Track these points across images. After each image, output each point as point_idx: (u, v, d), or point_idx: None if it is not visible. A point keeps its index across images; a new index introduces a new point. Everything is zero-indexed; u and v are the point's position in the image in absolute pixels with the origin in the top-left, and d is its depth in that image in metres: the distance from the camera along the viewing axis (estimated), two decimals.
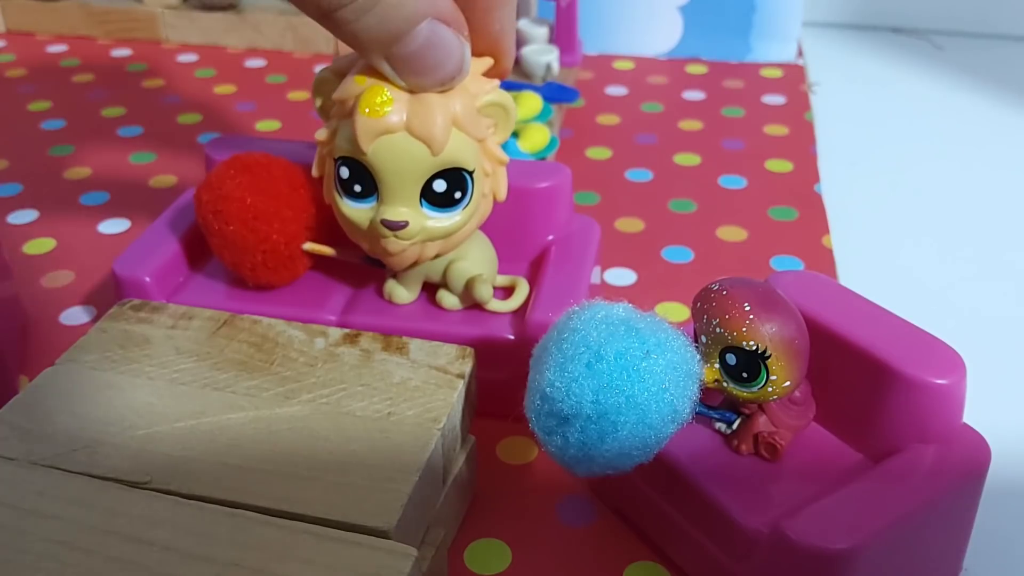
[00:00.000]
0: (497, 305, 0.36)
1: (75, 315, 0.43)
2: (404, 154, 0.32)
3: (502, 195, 0.35)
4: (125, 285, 0.37)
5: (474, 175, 0.33)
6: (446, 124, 0.32)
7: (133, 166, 0.55)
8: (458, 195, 0.33)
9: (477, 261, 0.36)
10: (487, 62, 0.33)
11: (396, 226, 0.33)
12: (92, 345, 0.33)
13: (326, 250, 0.37)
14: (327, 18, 0.29)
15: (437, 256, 0.35)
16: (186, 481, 0.27)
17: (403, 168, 0.32)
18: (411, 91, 0.31)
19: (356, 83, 0.32)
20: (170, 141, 0.58)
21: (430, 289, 0.37)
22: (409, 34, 0.30)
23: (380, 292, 0.37)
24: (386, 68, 0.31)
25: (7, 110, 0.62)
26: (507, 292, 0.37)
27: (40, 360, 0.38)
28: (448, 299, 0.36)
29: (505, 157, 0.34)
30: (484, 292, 0.36)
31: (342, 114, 0.33)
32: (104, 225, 0.49)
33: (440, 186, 0.33)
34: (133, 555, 0.25)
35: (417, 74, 0.31)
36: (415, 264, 0.35)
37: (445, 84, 0.31)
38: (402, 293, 0.37)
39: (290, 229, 0.36)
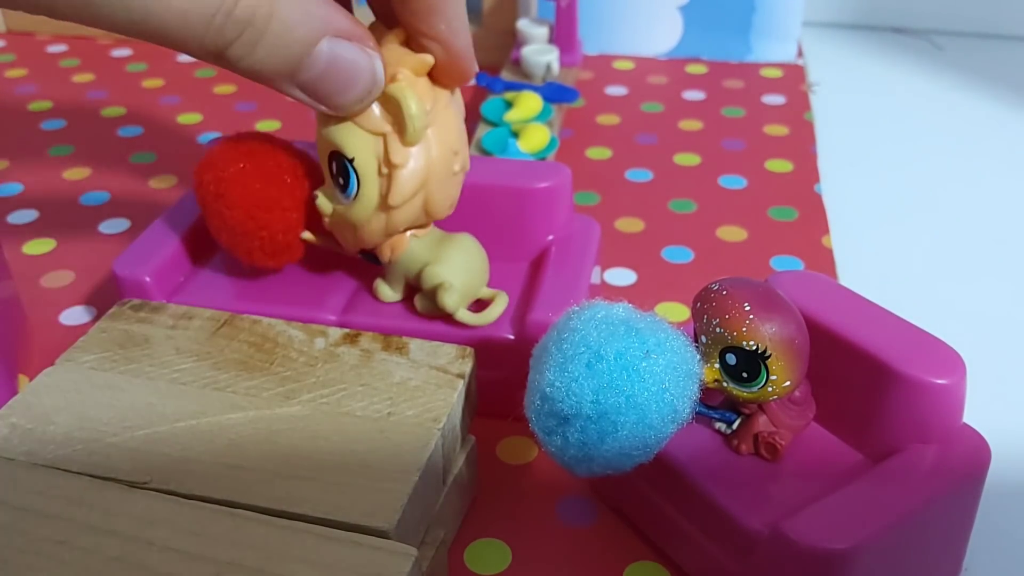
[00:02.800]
0: (465, 316, 0.35)
1: (75, 315, 0.43)
2: (318, 130, 0.33)
3: (391, 200, 0.32)
4: (125, 285, 0.37)
5: (354, 164, 0.32)
6: None
7: (133, 166, 0.55)
8: (342, 181, 0.33)
9: (453, 268, 0.35)
10: (399, 33, 0.32)
11: (312, 197, 0.35)
12: (92, 345, 0.33)
13: (323, 241, 0.37)
14: (220, 59, 0.28)
15: (363, 249, 0.35)
16: (186, 481, 0.27)
17: (319, 143, 0.33)
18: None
19: None
20: (170, 141, 0.58)
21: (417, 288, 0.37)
22: (308, 58, 0.28)
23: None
24: (301, 97, 0.30)
25: (7, 110, 0.61)
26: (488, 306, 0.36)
27: (40, 360, 0.38)
28: (421, 303, 0.36)
29: (399, 162, 0.32)
30: (448, 300, 0.34)
31: None
32: (104, 225, 0.49)
33: (333, 168, 0.33)
34: (133, 555, 0.25)
35: (329, 98, 0.30)
36: (388, 259, 0.35)
37: (362, 102, 0.31)
38: (387, 291, 0.37)
39: (290, 218, 0.36)
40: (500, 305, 0.35)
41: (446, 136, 0.33)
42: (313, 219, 0.36)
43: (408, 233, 0.35)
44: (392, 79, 0.31)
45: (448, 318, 0.35)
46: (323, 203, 0.34)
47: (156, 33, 0.26)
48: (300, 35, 0.28)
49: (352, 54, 0.29)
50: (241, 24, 0.27)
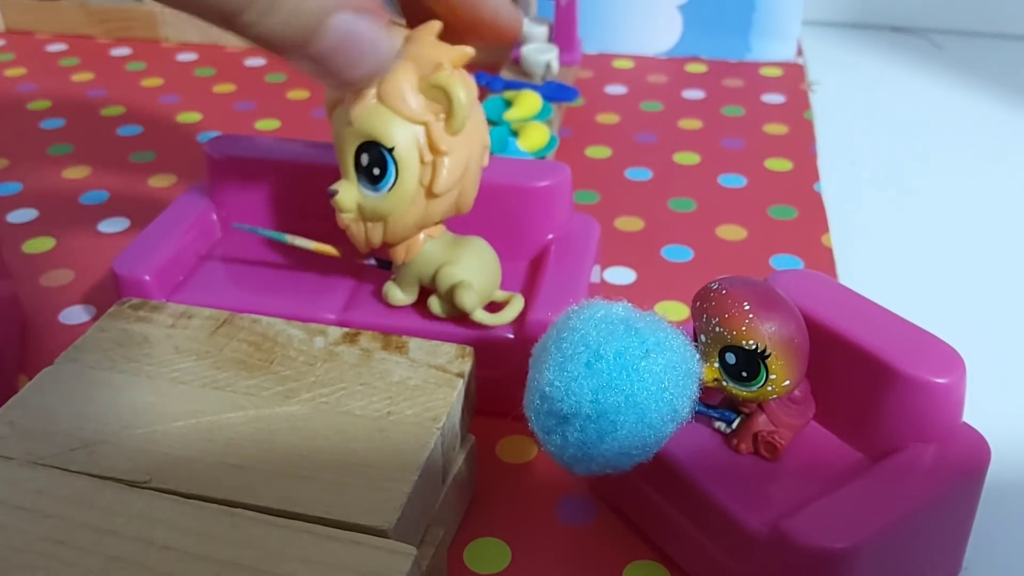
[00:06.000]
0: (482, 316, 0.35)
1: (74, 314, 0.43)
2: (340, 122, 0.33)
3: (437, 187, 0.33)
4: (125, 284, 0.37)
5: (394, 153, 0.32)
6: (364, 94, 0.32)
7: (133, 165, 0.55)
8: (376, 172, 0.33)
9: (469, 268, 0.35)
10: (435, 26, 0.32)
11: (329, 193, 0.34)
12: (91, 344, 0.33)
13: (331, 250, 0.37)
14: (230, 24, 0.27)
15: (390, 245, 0.35)
16: (185, 480, 0.27)
17: (340, 137, 0.33)
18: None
19: None
20: (170, 140, 0.58)
21: (430, 291, 0.37)
22: (318, 31, 0.28)
23: (380, 291, 0.37)
24: (311, 68, 0.29)
25: (7, 110, 0.61)
26: (503, 308, 0.36)
27: (40, 360, 0.38)
28: (435, 305, 0.36)
29: (446, 149, 0.32)
30: (467, 299, 0.34)
31: None
32: (104, 224, 0.49)
33: (364, 160, 0.33)
34: (132, 554, 0.25)
35: (336, 72, 0.29)
36: (401, 261, 0.35)
37: (371, 79, 0.31)
38: (398, 295, 0.36)
39: None
40: (517, 306, 0.35)
41: (479, 130, 0.34)
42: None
43: (422, 235, 0.35)
44: (437, 68, 0.31)
45: (462, 319, 0.35)
46: (345, 199, 0.33)
47: None
48: (313, 7, 0.28)
49: (365, 28, 0.29)
50: None
